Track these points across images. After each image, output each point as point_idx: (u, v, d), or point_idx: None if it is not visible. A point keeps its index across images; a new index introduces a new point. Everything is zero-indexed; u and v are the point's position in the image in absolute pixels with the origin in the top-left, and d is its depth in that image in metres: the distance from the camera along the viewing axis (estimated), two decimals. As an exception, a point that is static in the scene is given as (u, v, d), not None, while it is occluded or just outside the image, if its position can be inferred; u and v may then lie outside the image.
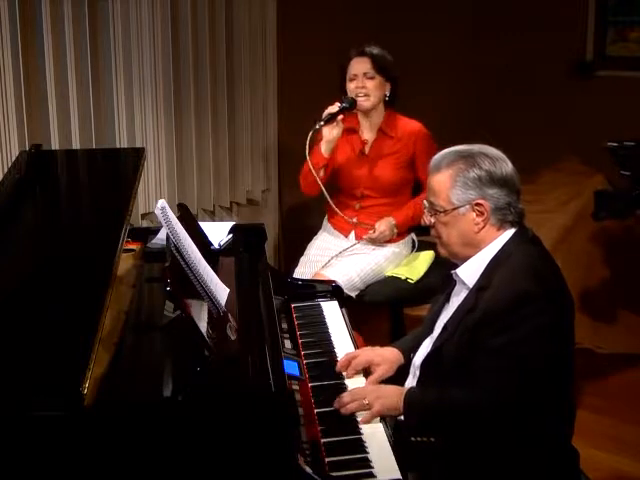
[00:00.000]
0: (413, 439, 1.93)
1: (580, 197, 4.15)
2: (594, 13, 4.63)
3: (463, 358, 1.92)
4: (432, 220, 2.04)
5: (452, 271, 2.06)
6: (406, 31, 4.67)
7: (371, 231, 3.25)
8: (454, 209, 1.98)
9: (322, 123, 3.15)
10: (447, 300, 2.12)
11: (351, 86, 3.23)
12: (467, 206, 1.96)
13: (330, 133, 3.18)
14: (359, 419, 1.91)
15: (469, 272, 2.01)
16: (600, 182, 4.10)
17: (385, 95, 3.26)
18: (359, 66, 3.23)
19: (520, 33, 4.73)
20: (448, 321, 2.02)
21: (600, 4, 4.61)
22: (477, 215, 1.97)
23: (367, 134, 3.33)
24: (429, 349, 2.05)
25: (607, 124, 4.49)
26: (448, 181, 1.97)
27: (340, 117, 3.17)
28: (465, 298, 2.00)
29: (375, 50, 3.24)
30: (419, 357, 2.11)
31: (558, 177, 4.29)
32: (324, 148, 3.21)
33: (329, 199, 3.28)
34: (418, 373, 2.08)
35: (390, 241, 3.31)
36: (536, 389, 1.87)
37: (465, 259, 2.03)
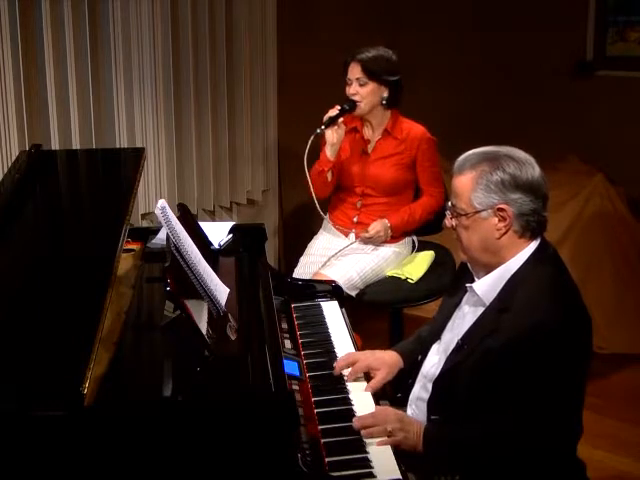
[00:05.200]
0: (437, 478, 1.86)
1: (580, 197, 4.14)
2: (594, 13, 4.63)
3: (481, 380, 1.85)
4: (453, 223, 1.97)
5: (468, 285, 1.99)
6: (407, 31, 4.68)
7: (366, 230, 3.26)
8: (475, 213, 1.90)
9: (323, 127, 3.18)
10: (456, 308, 2.06)
11: (347, 90, 3.25)
12: (489, 210, 1.88)
13: (333, 136, 3.21)
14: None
15: (486, 288, 1.93)
16: (600, 182, 4.10)
17: (382, 98, 3.24)
18: (353, 71, 3.23)
19: (520, 33, 4.73)
20: (464, 338, 1.94)
21: (600, 4, 4.61)
22: (499, 220, 1.88)
23: (370, 134, 3.34)
24: (441, 365, 1.98)
25: (607, 124, 4.50)
26: (470, 183, 1.90)
27: (341, 120, 3.20)
28: (483, 317, 1.92)
29: (370, 54, 3.20)
30: (429, 366, 2.05)
31: (558, 177, 4.27)
32: (329, 152, 3.24)
33: (320, 210, 3.29)
34: (429, 387, 2.00)
35: (391, 241, 3.31)
36: (568, 412, 1.87)
37: (484, 265, 1.95)
